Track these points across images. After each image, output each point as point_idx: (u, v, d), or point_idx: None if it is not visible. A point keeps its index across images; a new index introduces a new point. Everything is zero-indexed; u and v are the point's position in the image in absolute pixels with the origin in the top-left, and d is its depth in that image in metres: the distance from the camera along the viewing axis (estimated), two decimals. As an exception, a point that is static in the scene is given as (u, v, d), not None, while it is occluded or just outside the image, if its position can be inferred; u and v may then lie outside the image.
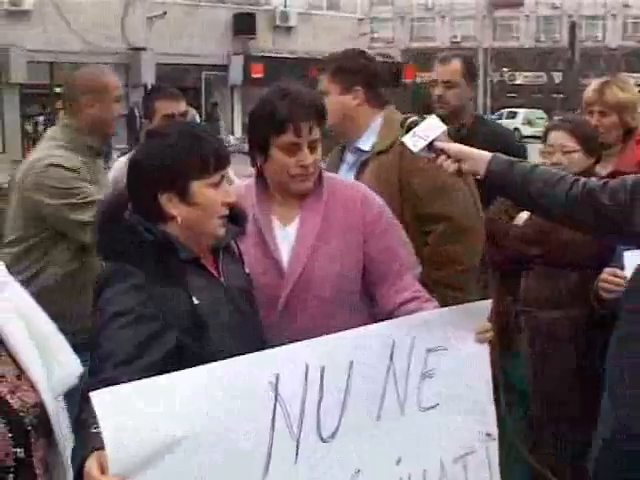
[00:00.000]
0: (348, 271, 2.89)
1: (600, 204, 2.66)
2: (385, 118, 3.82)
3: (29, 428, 1.80)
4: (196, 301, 2.37)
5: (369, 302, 2.95)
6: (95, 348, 2.22)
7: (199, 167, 2.39)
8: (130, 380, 1.95)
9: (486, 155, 2.79)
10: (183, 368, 2.04)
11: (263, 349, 2.31)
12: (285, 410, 2.16)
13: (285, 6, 33.34)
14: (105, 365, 2.15)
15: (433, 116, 3.06)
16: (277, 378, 2.14)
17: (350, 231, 2.90)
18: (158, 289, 2.31)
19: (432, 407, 2.54)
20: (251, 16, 31.61)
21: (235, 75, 31.68)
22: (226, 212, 2.48)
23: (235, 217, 2.58)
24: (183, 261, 2.41)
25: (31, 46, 26.13)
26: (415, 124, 2.90)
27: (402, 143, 2.91)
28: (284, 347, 2.24)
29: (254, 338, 2.52)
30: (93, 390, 1.82)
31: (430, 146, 2.82)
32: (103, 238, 2.47)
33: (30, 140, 24.02)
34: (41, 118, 26.56)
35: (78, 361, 2.07)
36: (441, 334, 2.56)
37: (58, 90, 27.54)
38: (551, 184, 2.72)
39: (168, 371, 2.02)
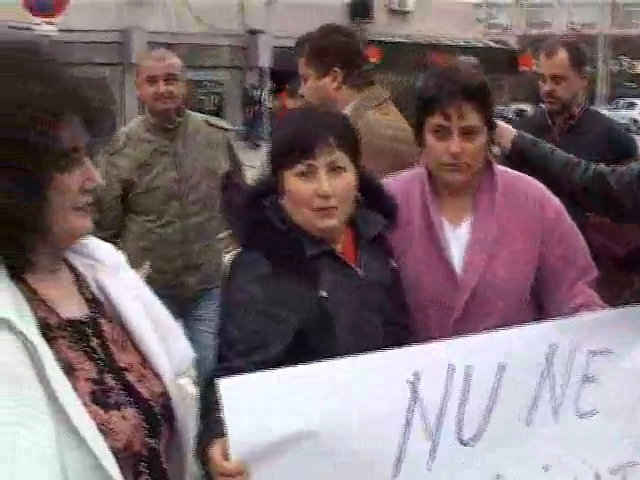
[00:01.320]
0: (526, 279, 2.70)
1: (609, 187, 2.89)
2: (363, 98, 3.59)
3: (159, 417, 1.78)
4: (323, 294, 2.30)
5: (534, 307, 2.75)
6: (220, 334, 2.29)
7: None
8: (252, 370, 1.97)
9: (512, 129, 3.02)
10: (304, 361, 2.01)
11: (399, 342, 2.26)
12: (423, 410, 2.07)
13: (403, -10, 33.09)
14: (229, 353, 2.19)
15: None
16: (417, 377, 2.07)
17: (527, 233, 2.69)
18: (285, 280, 2.27)
19: (590, 413, 2.38)
20: (368, 0, 31.43)
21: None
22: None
23: (384, 208, 2.48)
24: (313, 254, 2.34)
25: (151, 28, 26.57)
26: None
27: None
28: (426, 345, 2.20)
29: (387, 334, 2.40)
30: (216, 377, 1.87)
31: None
32: (240, 222, 2.43)
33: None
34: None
35: (189, 346, 2.05)
36: (606, 336, 2.39)
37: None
38: (570, 166, 2.94)
39: (290, 363, 2.01)
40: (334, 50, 3.50)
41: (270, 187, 2.43)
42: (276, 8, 28.52)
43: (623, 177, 2.88)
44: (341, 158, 2.33)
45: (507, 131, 2.99)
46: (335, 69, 3.47)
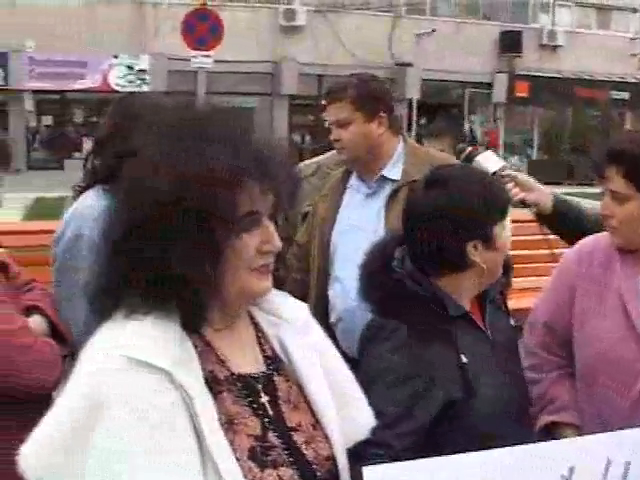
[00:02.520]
0: None
1: None
2: (408, 145, 3.57)
3: None
4: (464, 359, 2.25)
5: None
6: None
7: (502, 209, 2.35)
8: (400, 443, 2.02)
9: (546, 189, 3.02)
10: (452, 429, 2.02)
11: (527, 408, 2.36)
12: None
13: (553, 24, 32.67)
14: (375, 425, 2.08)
15: (489, 151, 3.07)
16: (571, 471, 1.96)
17: None
18: (425, 347, 2.22)
19: None
20: (518, 34, 31.20)
21: (499, 93, 31.40)
22: None
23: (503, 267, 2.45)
24: (452, 316, 2.31)
25: (302, 59, 27.28)
26: (463, 150, 3.03)
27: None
28: (582, 438, 2.16)
29: (520, 396, 2.43)
30: (362, 452, 1.84)
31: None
32: (370, 288, 2.42)
33: (297, 150, 24.93)
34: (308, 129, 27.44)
35: (371, 413, 1.92)
36: None
37: (324, 102, 28.55)
38: (600, 222, 2.71)
39: (437, 432, 2.00)
40: (380, 95, 3.47)
41: (390, 247, 2.43)
42: (425, 42, 28.70)
43: None
44: None
45: (544, 194, 3.03)
46: (381, 114, 3.41)
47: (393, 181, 3.46)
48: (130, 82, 26.67)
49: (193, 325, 1.60)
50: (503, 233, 2.33)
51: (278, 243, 1.65)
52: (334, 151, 4.77)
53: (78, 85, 26.17)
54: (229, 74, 26.51)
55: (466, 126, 30.55)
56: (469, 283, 2.33)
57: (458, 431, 2.15)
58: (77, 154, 26.13)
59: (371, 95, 3.42)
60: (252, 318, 1.79)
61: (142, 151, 1.61)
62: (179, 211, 1.52)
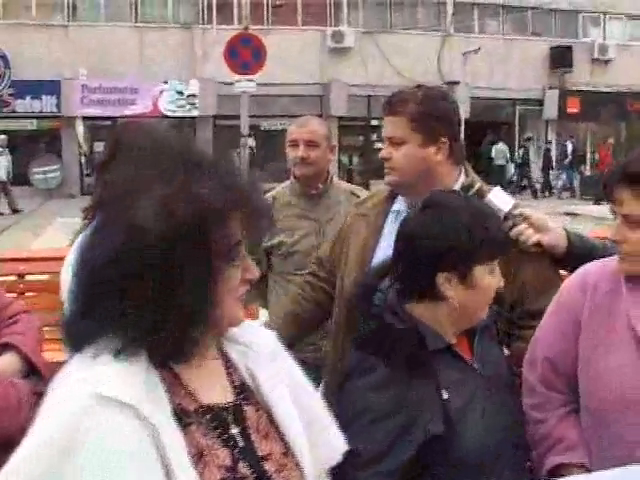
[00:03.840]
0: None
1: None
2: (469, 178, 3.05)
3: None
4: (446, 395, 2.15)
5: None
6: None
7: (491, 251, 2.22)
8: None
9: (560, 228, 2.79)
10: (437, 464, 1.98)
11: (520, 442, 2.27)
12: None
13: (604, 38, 32.37)
14: (350, 464, 2.01)
15: (498, 188, 2.81)
16: None
17: None
18: (403, 384, 2.13)
19: None
20: (568, 49, 30.97)
21: (550, 110, 31.14)
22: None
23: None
24: (433, 350, 2.22)
25: (351, 81, 27.31)
26: (471, 186, 2.78)
27: None
28: (593, 474, 2.14)
29: (512, 433, 2.30)
30: None
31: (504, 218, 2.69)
32: (352, 320, 2.37)
33: (346, 172, 24.99)
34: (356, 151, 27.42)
35: (342, 438, 1.90)
36: None
37: (374, 123, 28.58)
38: (608, 252, 2.59)
39: (418, 469, 1.97)
40: (444, 117, 2.96)
41: (381, 277, 2.36)
42: (474, 60, 28.61)
43: None
44: None
45: (560, 235, 2.79)
46: (443, 139, 2.92)
47: None
48: (180, 107, 26.95)
49: (168, 358, 1.58)
50: (487, 276, 2.22)
51: (256, 272, 1.66)
52: (287, 182, 4.56)
53: (129, 111, 26.45)
54: (279, 97, 26.69)
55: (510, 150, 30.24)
56: (444, 317, 2.24)
57: (443, 466, 2.09)
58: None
59: (435, 115, 2.92)
60: (220, 347, 1.77)
61: (126, 180, 1.59)
62: (175, 246, 1.50)
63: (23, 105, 26.32)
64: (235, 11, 26.63)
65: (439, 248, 2.18)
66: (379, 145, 28.04)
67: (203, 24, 27.55)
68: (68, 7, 27.33)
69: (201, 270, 1.53)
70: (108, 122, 26.79)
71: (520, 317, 2.83)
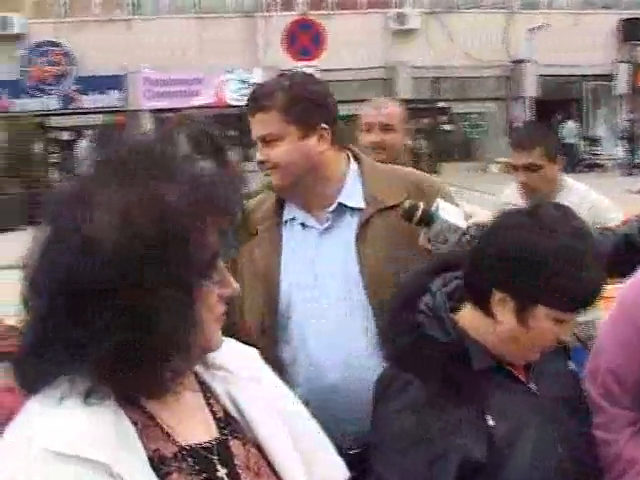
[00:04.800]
0: None
1: None
2: (363, 162, 2.76)
3: None
4: (492, 422, 1.92)
5: None
6: (373, 470, 1.96)
7: (565, 302, 1.88)
8: None
9: None
10: None
11: (583, 472, 1.98)
12: None
13: (676, 8, 31.44)
14: None
15: (440, 201, 2.45)
16: None
17: None
18: (440, 407, 1.90)
19: None
20: (638, 20, 30.15)
21: (621, 84, 30.35)
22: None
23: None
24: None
25: (416, 63, 26.94)
26: (415, 208, 2.39)
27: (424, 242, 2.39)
28: None
29: (574, 462, 2.00)
30: None
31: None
32: (386, 329, 2.10)
33: (413, 155, 24.61)
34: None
35: (343, 464, 1.69)
36: None
37: (441, 105, 28.24)
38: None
39: None
40: (320, 102, 2.64)
41: (426, 282, 2.09)
42: (542, 36, 28.01)
43: None
44: None
45: None
46: (323, 126, 2.62)
47: (355, 210, 2.67)
48: (244, 96, 26.61)
49: (127, 399, 1.35)
50: (549, 323, 1.89)
51: (236, 285, 1.44)
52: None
53: (194, 102, 26.52)
54: (343, 82, 26.50)
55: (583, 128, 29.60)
56: (493, 335, 1.94)
57: None
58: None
59: (308, 101, 2.61)
60: (197, 376, 1.52)
61: (77, 185, 1.34)
62: (139, 261, 1.26)
63: (89, 100, 26.53)
64: (298, -4, 26.52)
65: (510, 266, 1.87)
66: (447, 127, 27.90)
67: (265, 12, 27.41)
68: (130, 2, 27.46)
69: (175, 288, 1.28)
70: (172, 114, 26.93)
71: None
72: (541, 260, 1.84)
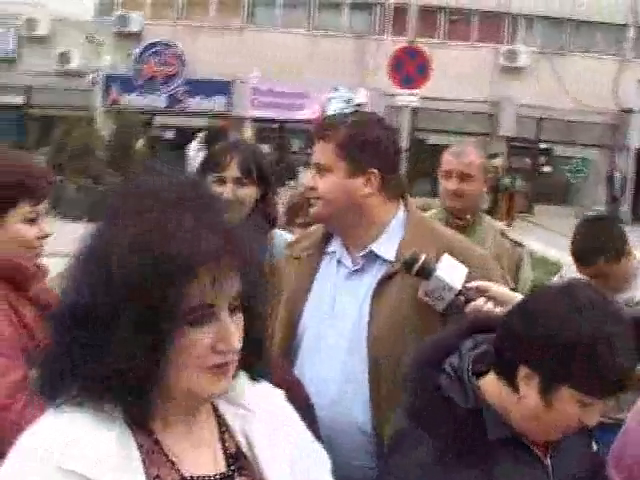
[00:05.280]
0: None
1: None
2: (412, 216, 2.76)
3: None
4: None
5: None
6: None
7: (594, 386, 1.83)
8: None
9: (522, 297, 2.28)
10: None
11: None
12: None
13: None
14: None
15: (446, 256, 2.37)
16: None
17: None
18: (450, 468, 1.85)
19: None
20: None
21: None
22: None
23: None
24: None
25: (522, 101, 26.76)
26: (415, 260, 2.33)
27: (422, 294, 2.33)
28: None
29: None
30: None
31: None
32: (408, 381, 2.05)
33: (507, 195, 24.28)
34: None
35: None
36: None
37: (543, 146, 27.92)
38: None
39: None
40: (376, 147, 2.67)
41: (456, 343, 2.04)
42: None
43: None
44: None
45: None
46: (372, 170, 2.65)
47: (385, 261, 2.67)
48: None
49: (136, 421, 1.40)
50: (574, 406, 1.84)
51: (234, 343, 1.40)
52: (436, 210, 4.30)
53: (297, 115, 26.80)
54: (447, 112, 26.44)
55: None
56: (512, 407, 1.90)
57: None
58: (292, 183, 26.73)
59: (363, 143, 2.65)
60: (215, 410, 1.55)
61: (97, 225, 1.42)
62: (114, 300, 1.32)
63: (195, 103, 27.02)
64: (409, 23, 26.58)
65: (539, 344, 1.83)
66: (547, 169, 27.53)
67: (376, 34, 27.55)
68: (246, 11, 27.87)
69: (142, 330, 1.32)
70: (275, 125, 27.19)
71: None
72: (572, 342, 1.79)
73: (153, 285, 1.31)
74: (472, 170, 4.10)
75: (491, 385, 1.94)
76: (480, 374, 1.96)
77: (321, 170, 2.68)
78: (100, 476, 1.31)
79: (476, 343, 2.01)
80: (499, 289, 2.41)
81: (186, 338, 1.36)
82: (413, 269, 2.32)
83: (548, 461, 1.95)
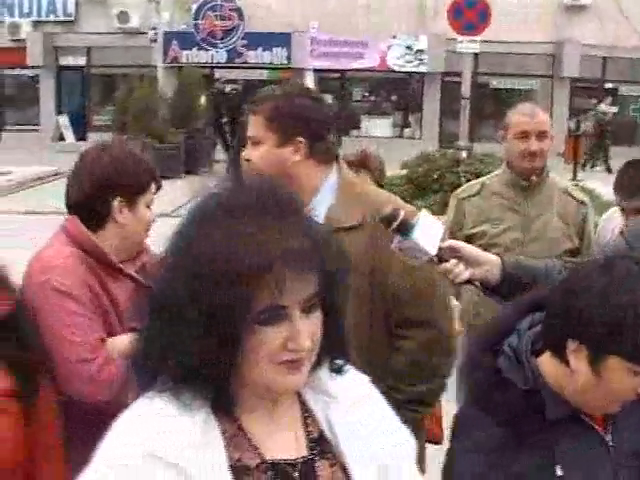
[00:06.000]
0: None
1: None
2: (343, 180, 2.88)
3: None
4: (559, 472, 1.88)
5: None
6: None
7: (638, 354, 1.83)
8: None
9: (495, 258, 2.42)
10: None
11: None
12: None
13: None
14: None
15: (424, 211, 2.32)
16: None
17: None
18: (512, 451, 1.89)
19: None
20: None
21: None
22: None
23: None
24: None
25: (585, 40, 26.20)
26: (394, 217, 2.27)
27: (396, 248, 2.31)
28: None
29: None
30: None
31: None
32: (469, 368, 2.10)
33: (572, 139, 23.89)
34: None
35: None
36: None
37: (609, 85, 27.34)
38: (550, 276, 2.36)
39: None
40: (302, 116, 2.83)
41: (513, 324, 2.06)
42: None
43: None
44: None
45: (493, 264, 2.42)
46: (299, 139, 2.81)
47: None
48: (408, 62, 26.83)
49: (221, 408, 1.51)
50: (623, 374, 1.85)
51: (303, 342, 1.48)
52: (499, 171, 4.35)
53: (357, 65, 26.68)
54: (509, 54, 26.04)
55: None
56: (567, 383, 1.92)
57: None
58: (355, 132, 26.73)
59: (290, 114, 2.81)
60: (300, 396, 1.63)
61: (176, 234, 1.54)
62: (192, 303, 1.44)
63: (255, 56, 27.01)
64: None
65: (584, 316, 1.85)
66: (613, 109, 26.89)
67: (435, -21, 27.20)
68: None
69: (217, 329, 1.44)
70: (336, 74, 27.08)
71: (396, 326, 2.80)
72: (615, 312, 1.82)
73: (224, 288, 1.41)
74: (547, 127, 4.11)
75: (547, 364, 1.96)
76: (538, 353, 1.99)
77: (254, 142, 2.87)
78: (185, 462, 1.43)
79: (533, 322, 2.03)
80: (472, 249, 2.44)
81: (257, 336, 1.46)
82: (392, 226, 2.34)
83: (609, 437, 1.97)
